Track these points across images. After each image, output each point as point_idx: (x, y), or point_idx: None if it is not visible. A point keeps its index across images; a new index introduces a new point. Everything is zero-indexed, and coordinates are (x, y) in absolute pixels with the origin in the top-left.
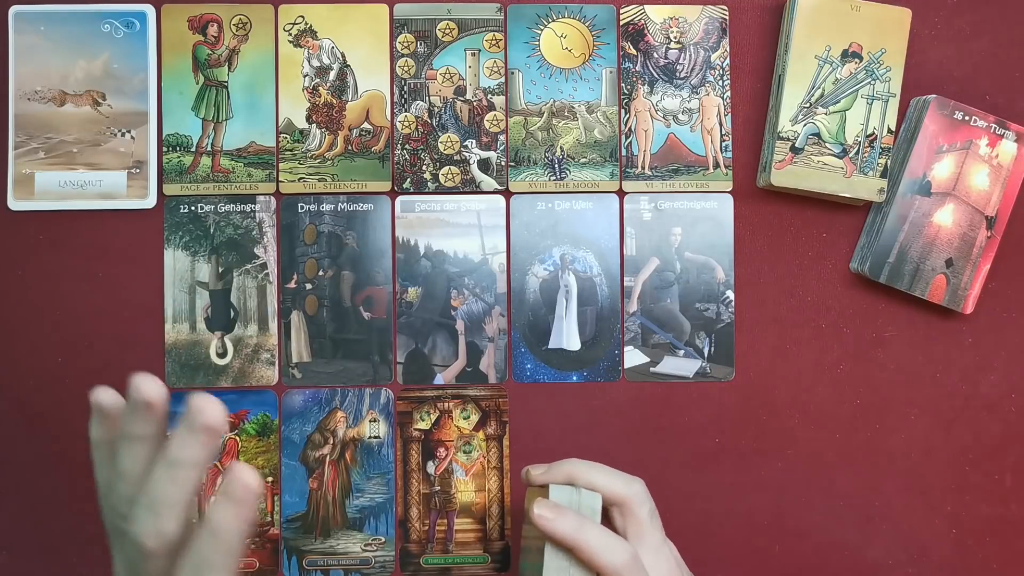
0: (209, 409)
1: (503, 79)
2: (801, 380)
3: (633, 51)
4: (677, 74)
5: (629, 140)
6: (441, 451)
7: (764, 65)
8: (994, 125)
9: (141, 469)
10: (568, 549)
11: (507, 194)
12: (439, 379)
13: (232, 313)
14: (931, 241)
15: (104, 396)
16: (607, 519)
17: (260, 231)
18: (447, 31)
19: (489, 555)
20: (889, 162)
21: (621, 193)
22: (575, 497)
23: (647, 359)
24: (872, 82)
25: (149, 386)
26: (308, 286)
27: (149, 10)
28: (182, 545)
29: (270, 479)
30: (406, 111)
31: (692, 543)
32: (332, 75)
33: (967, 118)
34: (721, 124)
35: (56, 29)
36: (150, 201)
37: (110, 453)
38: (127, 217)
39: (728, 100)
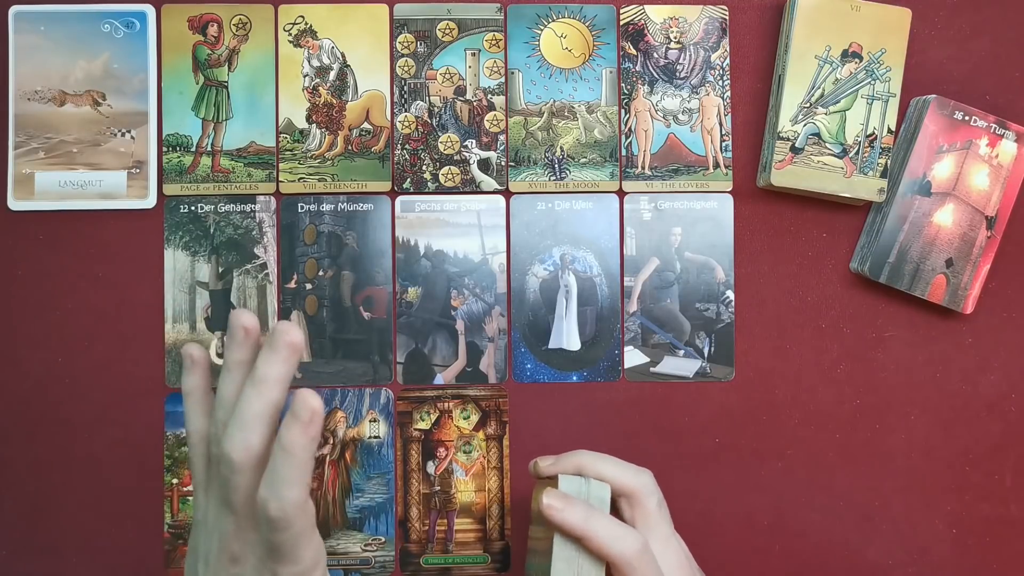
0: (290, 329)
1: (503, 79)
2: (801, 380)
3: (633, 51)
4: (677, 74)
5: (629, 140)
6: (441, 451)
7: (764, 65)
8: (994, 125)
9: (236, 393)
10: (577, 539)
11: (507, 194)
12: (439, 379)
13: None
14: (931, 241)
15: (194, 349)
16: (616, 510)
17: (260, 231)
18: (447, 31)
19: (489, 555)
20: (889, 162)
21: (621, 193)
22: (584, 487)
23: (647, 359)
24: (872, 82)
25: (246, 316)
26: (308, 286)
27: (149, 10)
28: (264, 461)
29: None
30: (406, 111)
31: (692, 543)
32: (332, 75)
33: (967, 118)
34: (721, 124)
35: (56, 29)
36: (150, 201)
37: (201, 398)
38: (127, 217)
39: (728, 100)
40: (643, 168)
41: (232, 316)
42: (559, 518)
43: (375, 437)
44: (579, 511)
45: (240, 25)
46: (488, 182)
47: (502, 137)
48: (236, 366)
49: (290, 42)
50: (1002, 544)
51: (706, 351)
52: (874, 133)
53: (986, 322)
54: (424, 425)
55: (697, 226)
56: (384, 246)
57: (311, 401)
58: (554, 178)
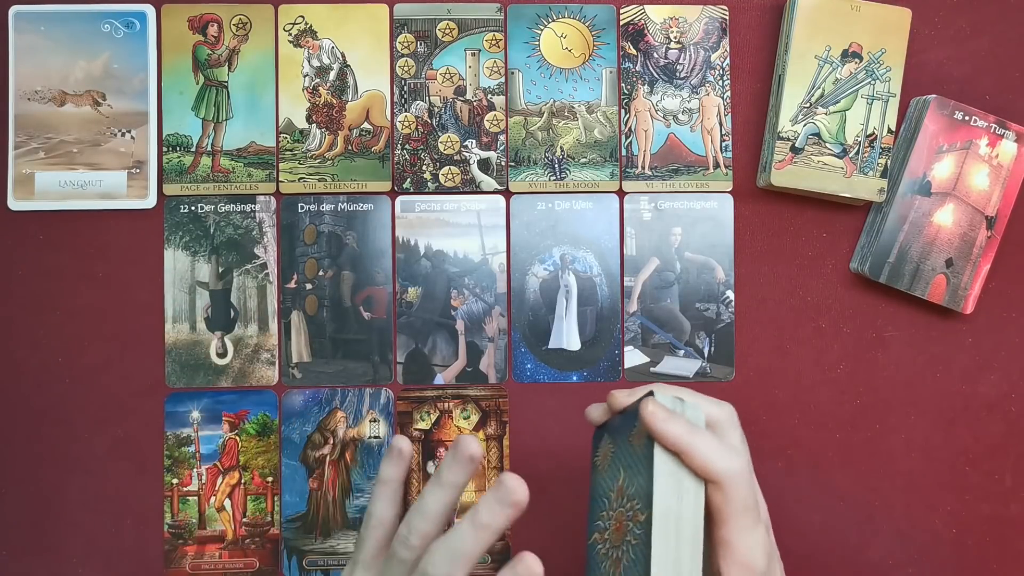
0: (469, 442)
1: (503, 79)
2: (801, 380)
3: (633, 51)
4: (677, 74)
5: (629, 140)
6: (441, 451)
7: (764, 65)
8: (994, 125)
9: (440, 511)
10: (678, 453)
11: (507, 194)
12: (439, 379)
13: (232, 313)
14: (931, 241)
15: (404, 444)
16: None
17: (260, 231)
18: (447, 31)
19: (489, 555)
20: (889, 162)
21: (621, 193)
22: (679, 406)
23: (647, 359)
24: (872, 82)
25: (474, 445)
26: (308, 286)
27: (149, 10)
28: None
29: (270, 479)
30: (406, 111)
31: None
32: (332, 75)
33: (967, 118)
34: (721, 124)
35: (56, 29)
36: (150, 201)
37: (396, 490)
38: (127, 217)
39: (728, 100)
40: (643, 168)
41: (458, 442)
42: (663, 428)
43: (375, 437)
44: (682, 423)
45: (240, 25)
46: (488, 182)
47: (502, 137)
48: (451, 487)
49: (290, 42)
50: (1002, 544)
51: (706, 351)
52: (874, 133)
53: (986, 322)
54: (424, 425)
55: (697, 226)
56: (384, 246)
57: (519, 492)
58: (554, 178)
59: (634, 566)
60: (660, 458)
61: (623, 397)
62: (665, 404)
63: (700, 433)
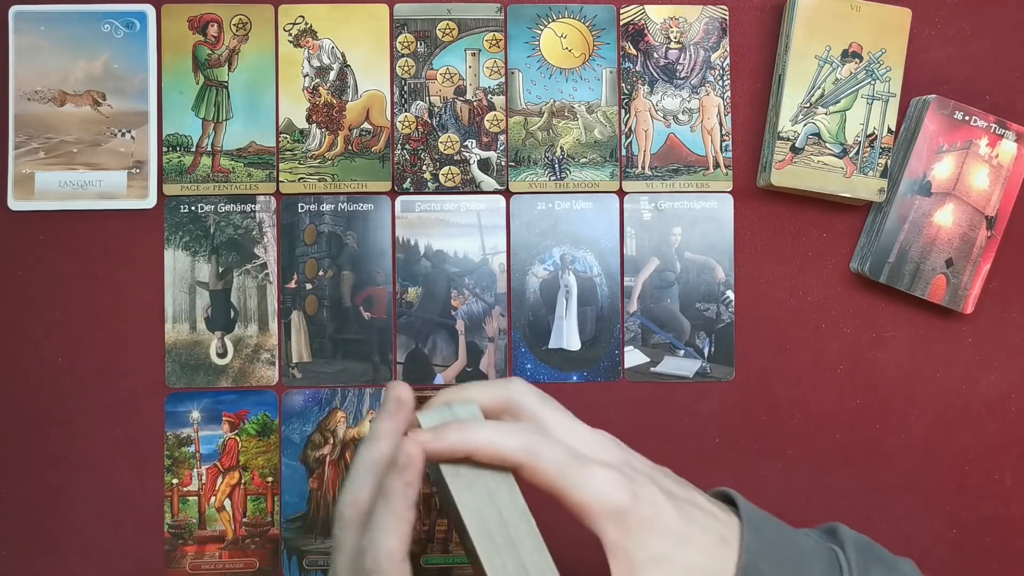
0: (397, 385)
1: (503, 79)
2: (801, 380)
3: (633, 51)
4: (677, 74)
5: (629, 140)
6: None
7: (764, 65)
8: (994, 125)
9: (376, 467)
10: (464, 460)
11: (507, 194)
12: (439, 379)
13: (232, 313)
14: (931, 241)
15: (404, 391)
16: None
17: (260, 231)
18: (447, 31)
19: None
20: (889, 162)
21: (621, 193)
22: (447, 413)
23: (647, 359)
24: (872, 82)
25: (400, 388)
26: (308, 286)
27: (149, 10)
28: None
29: (270, 479)
30: (406, 111)
31: None
32: (332, 75)
33: (967, 118)
34: (721, 124)
35: (56, 29)
36: (150, 201)
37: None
38: (127, 217)
39: (728, 100)
40: (643, 168)
41: (387, 387)
42: (436, 447)
43: None
44: (451, 431)
45: (240, 25)
46: (488, 182)
47: (502, 137)
48: (381, 437)
49: (290, 42)
50: (1002, 544)
51: (706, 351)
52: (874, 133)
53: (986, 322)
54: None
55: (697, 226)
56: (384, 246)
57: (409, 448)
58: (554, 178)
59: None
60: (451, 476)
61: (418, 417)
62: (432, 420)
63: (473, 428)
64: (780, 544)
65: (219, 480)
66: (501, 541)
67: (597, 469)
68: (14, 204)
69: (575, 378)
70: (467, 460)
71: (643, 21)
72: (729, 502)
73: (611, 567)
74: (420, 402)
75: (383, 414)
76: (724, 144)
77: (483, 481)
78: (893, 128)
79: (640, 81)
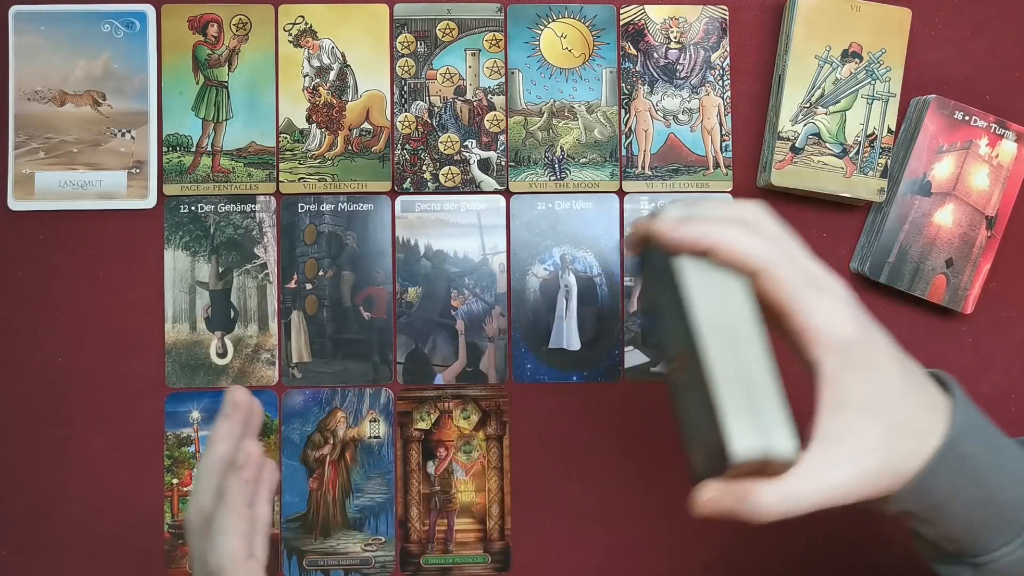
0: (234, 389)
1: (503, 79)
2: (801, 380)
3: (633, 51)
4: (677, 74)
5: (629, 140)
6: (441, 451)
7: (764, 65)
8: (994, 125)
9: (217, 469)
10: (704, 253)
11: (507, 194)
12: (439, 379)
13: (232, 313)
14: (931, 241)
15: (240, 394)
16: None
17: (260, 231)
18: (447, 31)
19: (489, 555)
20: (889, 162)
21: (621, 193)
22: (692, 211)
23: (647, 359)
24: (872, 82)
25: (236, 392)
26: (308, 286)
27: (149, 10)
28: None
29: None
30: (406, 111)
31: (692, 543)
32: (332, 75)
33: (967, 118)
34: (721, 124)
35: (56, 29)
36: (150, 201)
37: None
38: (127, 217)
39: (728, 100)
40: (643, 168)
41: (226, 391)
42: (680, 235)
43: (375, 437)
44: (698, 222)
45: (240, 25)
46: (488, 182)
47: (502, 137)
48: (219, 440)
49: (290, 42)
50: None
51: None
52: (874, 133)
53: (986, 322)
54: (424, 425)
55: None
56: (384, 246)
57: (246, 449)
58: (554, 178)
59: (702, 385)
60: (686, 269)
61: (640, 225)
62: (678, 212)
63: (720, 224)
64: (987, 431)
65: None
66: (726, 339)
67: (831, 298)
68: (14, 204)
69: (575, 378)
70: (703, 256)
71: (643, 21)
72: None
73: (819, 400)
74: (419, 402)
75: (220, 417)
76: (724, 144)
77: (716, 280)
78: (893, 128)
79: (640, 81)
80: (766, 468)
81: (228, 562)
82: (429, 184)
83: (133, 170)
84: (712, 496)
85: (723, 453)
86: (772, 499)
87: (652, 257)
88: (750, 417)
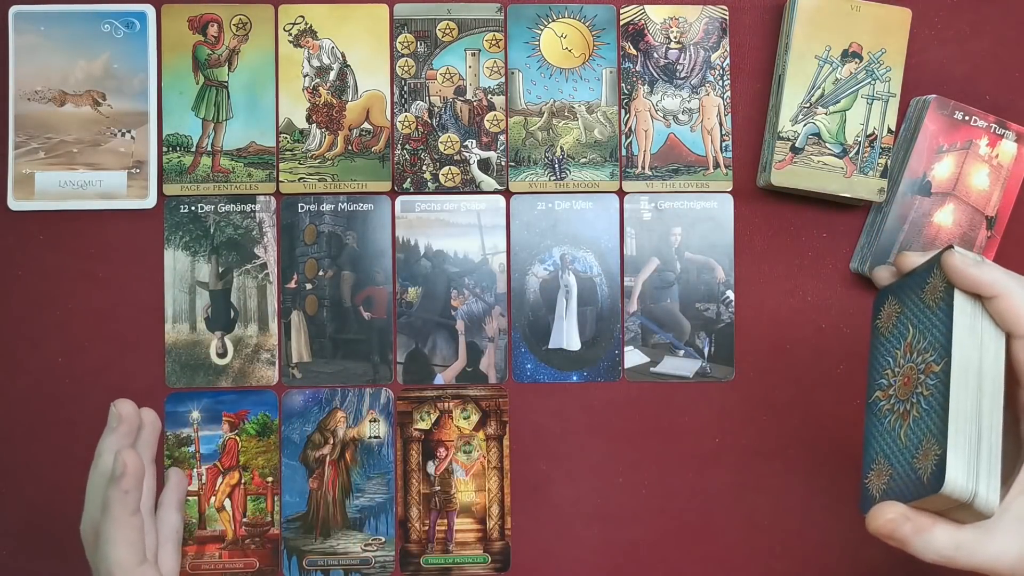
0: (118, 402)
1: (503, 79)
2: (801, 380)
3: (633, 51)
4: (677, 74)
5: (629, 140)
6: (441, 451)
7: (764, 65)
8: (994, 125)
9: (101, 483)
10: (987, 297)
11: (507, 194)
12: (439, 379)
13: (232, 313)
14: (931, 241)
15: (125, 407)
16: None
17: (260, 231)
18: (447, 31)
19: (489, 555)
20: (889, 162)
21: (621, 193)
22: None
23: (647, 359)
24: (872, 82)
25: (122, 405)
26: (308, 286)
27: (149, 10)
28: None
29: (270, 479)
30: (406, 111)
31: (692, 543)
32: (332, 75)
33: (967, 118)
34: (721, 124)
35: (56, 29)
36: (150, 201)
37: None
38: (127, 217)
39: (728, 100)
40: (643, 168)
41: (112, 404)
42: (973, 273)
43: (375, 437)
44: (994, 268)
45: (240, 25)
46: (488, 182)
47: (502, 137)
48: (104, 452)
49: (290, 42)
50: None
51: (706, 351)
52: (874, 133)
53: None
54: (424, 425)
55: (697, 226)
56: (384, 246)
57: (125, 457)
58: (554, 178)
59: (927, 415)
60: (961, 308)
61: (914, 257)
62: (975, 256)
63: (1014, 279)
64: None
65: (219, 480)
66: (973, 383)
67: None
68: (14, 204)
69: (575, 378)
70: (978, 299)
71: (643, 21)
72: None
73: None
74: (419, 402)
75: (106, 431)
76: (724, 144)
77: (980, 329)
78: (893, 128)
79: (640, 81)
80: (959, 511)
81: (117, 569)
82: (429, 184)
83: (133, 170)
84: (893, 517)
85: (926, 480)
86: (946, 543)
87: (911, 286)
88: (970, 458)
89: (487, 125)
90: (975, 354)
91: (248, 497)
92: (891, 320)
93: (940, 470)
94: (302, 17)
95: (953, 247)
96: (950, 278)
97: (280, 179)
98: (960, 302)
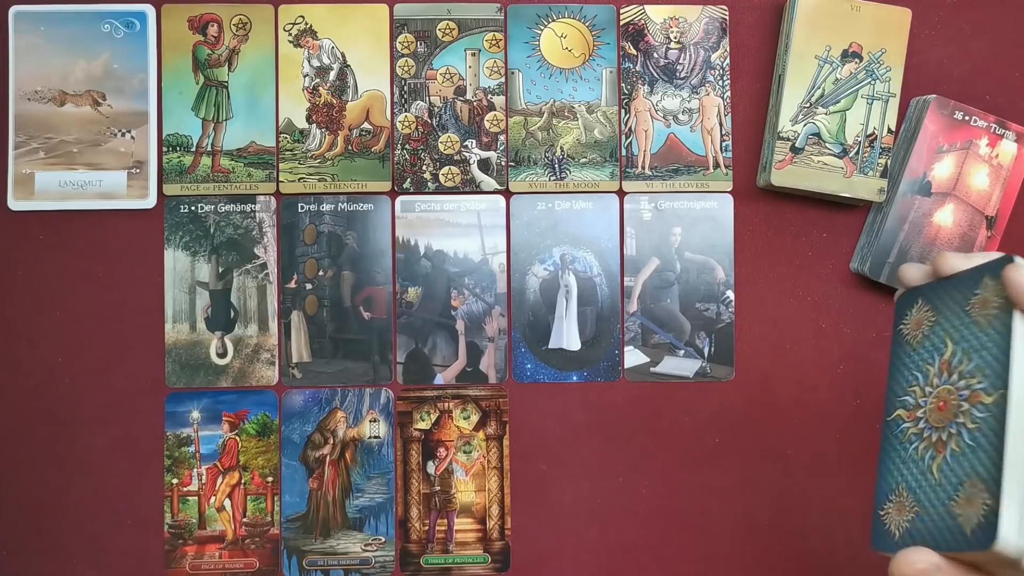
0: None
1: (503, 79)
2: (801, 380)
3: (633, 51)
4: (677, 74)
5: (629, 140)
6: (441, 451)
7: (764, 65)
8: (994, 125)
9: None
10: None
11: (507, 194)
12: (439, 379)
13: (232, 313)
14: (931, 241)
15: None
16: None
17: (260, 231)
18: (447, 31)
19: (489, 555)
20: (889, 162)
21: (621, 193)
22: None
23: (647, 359)
24: (872, 82)
25: None
26: (308, 286)
27: (149, 10)
28: None
29: (270, 479)
30: (406, 111)
31: (692, 543)
32: (332, 75)
33: (967, 118)
34: (721, 124)
35: (56, 29)
36: (150, 201)
37: None
38: (127, 217)
39: (728, 100)
40: (643, 168)
41: None
42: None
43: (375, 437)
44: None
45: (240, 25)
46: (488, 182)
47: (502, 137)
48: None
49: (290, 42)
50: None
51: (706, 351)
52: (874, 133)
53: None
54: (424, 425)
55: (697, 226)
56: (384, 246)
57: None
58: (554, 178)
59: (972, 453)
60: (1020, 325)
61: (957, 260)
62: None
63: None
64: None
65: (219, 480)
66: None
67: None
68: (14, 204)
69: (575, 378)
70: None
71: (643, 21)
72: None
73: None
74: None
75: None
76: (724, 144)
77: None
78: (893, 128)
79: (640, 81)
80: (1003, 567)
81: None
82: (429, 184)
83: (133, 170)
84: (925, 568)
85: (969, 532)
86: None
87: (950, 293)
88: (1021, 511)
89: (487, 125)
90: None
91: (248, 497)
92: (922, 328)
93: (991, 524)
94: (302, 17)
95: (1014, 259)
96: (1013, 296)
97: (280, 179)
98: (1019, 318)
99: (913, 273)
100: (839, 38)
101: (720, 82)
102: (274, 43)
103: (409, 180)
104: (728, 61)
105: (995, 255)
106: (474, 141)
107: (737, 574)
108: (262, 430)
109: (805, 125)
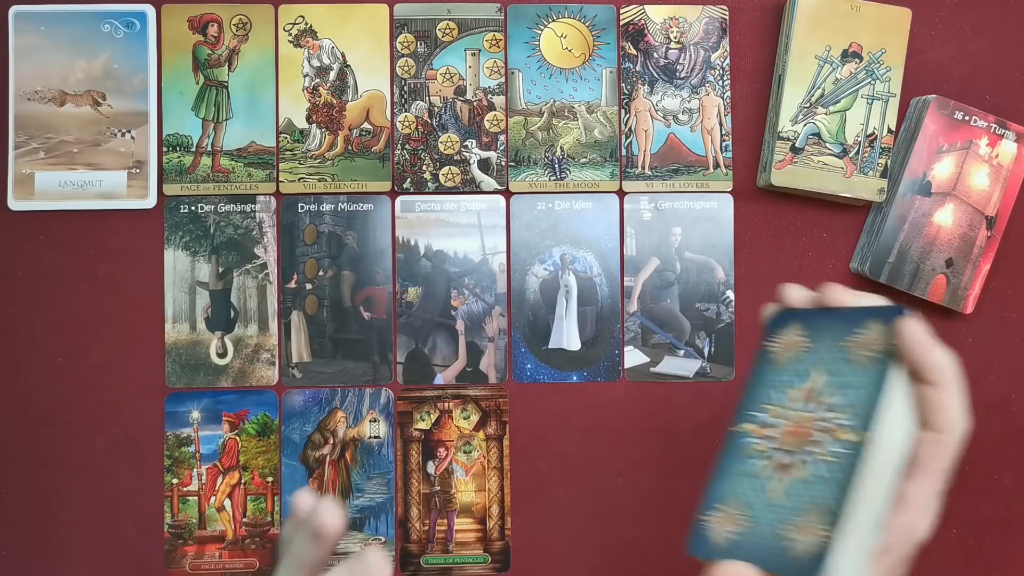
0: (327, 517)
1: (503, 79)
2: None
3: (633, 51)
4: (677, 74)
5: (629, 140)
6: (441, 451)
7: (764, 65)
8: (994, 125)
9: None
10: (929, 384)
11: (507, 194)
12: (439, 379)
13: (232, 313)
14: (931, 241)
15: (330, 521)
16: None
17: (260, 231)
18: (447, 31)
19: (489, 555)
20: (889, 162)
21: (621, 193)
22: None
23: (647, 359)
24: (872, 82)
25: (327, 517)
26: (308, 286)
27: (149, 10)
28: None
29: (270, 479)
30: (406, 111)
31: None
32: (332, 75)
33: (967, 118)
34: (721, 124)
35: (56, 29)
36: (150, 201)
37: None
38: (127, 217)
39: (728, 100)
40: (643, 168)
41: (314, 513)
42: (927, 354)
43: (375, 437)
44: (946, 356)
45: (240, 25)
46: (488, 182)
47: (502, 137)
48: (301, 568)
49: (290, 42)
50: (1002, 544)
51: (706, 351)
52: (874, 133)
53: (986, 322)
54: (424, 425)
55: (697, 226)
56: (384, 246)
57: (327, 519)
58: (554, 178)
59: (825, 483)
60: (899, 386)
61: (846, 296)
62: (924, 328)
63: (957, 374)
64: None
65: (219, 480)
66: (885, 472)
67: (936, 502)
68: (14, 204)
69: (575, 378)
70: (914, 376)
71: (643, 21)
72: None
73: None
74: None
75: (307, 540)
76: (724, 144)
77: (906, 413)
78: (893, 128)
79: (640, 81)
80: None
81: None
82: (429, 184)
83: (133, 170)
84: None
85: (794, 558)
86: None
87: (831, 325)
88: (856, 553)
89: (487, 125)
90: (898, 439)
91: (248, 497)
92: (792, 351)
93: (820, 556)
94: (302, 17)
95: (905, 311)
96: (902, 348)
97: (280, 179)
98: (899, 378)
99: (797, 295)
100: (839, 38)
101: (720, 82)
102: (274, 43)
103: (409, 180)
104: (728, 61)
105: (884, 302)
106: (474, 141)
107: None
108: (262, 430)
109: (805, 125)
